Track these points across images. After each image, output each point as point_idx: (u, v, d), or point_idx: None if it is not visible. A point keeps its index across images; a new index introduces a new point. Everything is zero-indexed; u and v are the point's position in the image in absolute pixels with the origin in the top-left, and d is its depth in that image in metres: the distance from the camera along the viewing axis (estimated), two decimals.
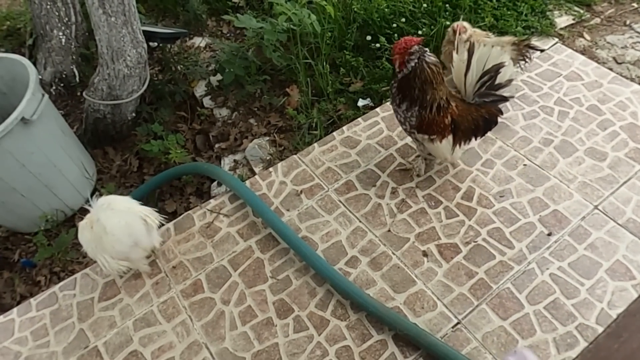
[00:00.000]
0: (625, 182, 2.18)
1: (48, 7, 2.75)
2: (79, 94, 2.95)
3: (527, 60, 2.38)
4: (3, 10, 3.62)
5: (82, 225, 1.86)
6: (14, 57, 2.36)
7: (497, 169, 2.28)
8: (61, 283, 2.08)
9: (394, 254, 2.03)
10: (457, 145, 2.07)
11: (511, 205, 2.15)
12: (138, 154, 2.73)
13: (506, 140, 2.39)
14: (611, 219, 2.06)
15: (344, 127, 2.54)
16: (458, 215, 2.13)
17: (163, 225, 2.17)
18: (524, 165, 2.29)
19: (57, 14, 2.79)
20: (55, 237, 2.38)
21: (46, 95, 2.26)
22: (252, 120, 2.78)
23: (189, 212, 2.26)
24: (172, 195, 2.57)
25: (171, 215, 2.44)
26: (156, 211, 1.95)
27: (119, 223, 1.81)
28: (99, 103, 2.56)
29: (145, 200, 2.28)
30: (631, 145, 2.31)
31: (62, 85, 2.94)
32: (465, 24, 2.46)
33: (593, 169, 2.23)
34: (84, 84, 2.90)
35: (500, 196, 2.18)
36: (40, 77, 2.25)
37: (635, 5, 3.06)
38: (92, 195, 2.21)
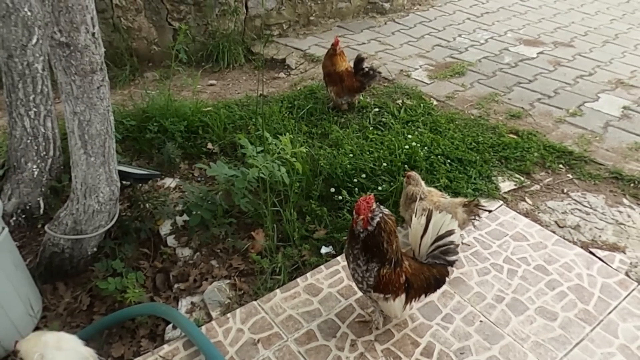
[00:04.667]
0: (577, 344, 2.23)
1: (28, 141, 2.85)
2: (39, 225, 2.91)
3: (477, 219, 2.62)
4: None
5: (32, 357, 1.97)
6: None
7: (457, 324, 2.32)
8: None
9: None
10: (409, 304, 2.14)
11: None
12: (91, 290, 2.63)
13: (463, 295, 2.47)
14: None
15: (308, 274, 2.57)
16: None
17: None
18: (480, 321, 2.33)
19: (35, 148, 2.88)
20: None
21: (6, 229, 2.23)
22: (213, 262, 2.78)
23: (139, 358, 2.12)
24: (121, 337, 2.43)
25: None
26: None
27: None
28: (60, 237, 2.53)
29: (90, 341, 2.15)
30: (580, 306, 2.42)
31: (23, 216, 2.91)
32: (414, 173, 2.76)
33: (545, 329, 2.30)
34: (47, 216, 2.89)
35: (461, 353, 2.18)
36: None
37: (570, 176, 3.45)
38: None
